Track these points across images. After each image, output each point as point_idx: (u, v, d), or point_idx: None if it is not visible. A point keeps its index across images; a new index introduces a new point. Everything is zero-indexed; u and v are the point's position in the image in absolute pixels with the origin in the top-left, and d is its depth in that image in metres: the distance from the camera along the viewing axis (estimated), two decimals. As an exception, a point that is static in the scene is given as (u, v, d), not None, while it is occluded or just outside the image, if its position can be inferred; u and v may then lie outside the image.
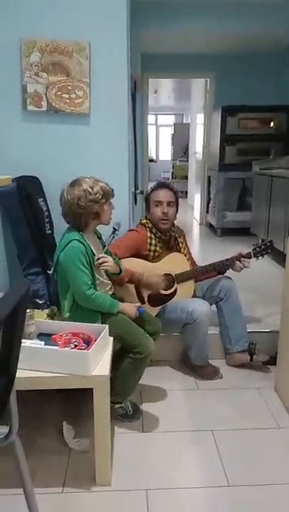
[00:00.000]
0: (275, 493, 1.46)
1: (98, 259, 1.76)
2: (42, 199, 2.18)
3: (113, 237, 1.77)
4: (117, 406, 1.80)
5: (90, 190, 1.69)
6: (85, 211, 1.70)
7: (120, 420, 1.82)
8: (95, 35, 2.17)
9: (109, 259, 1.79)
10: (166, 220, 2.18)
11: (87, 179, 1.73)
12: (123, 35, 2.20)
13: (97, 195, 1.70)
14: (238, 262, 2.19)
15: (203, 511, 1.40)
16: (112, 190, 1.79)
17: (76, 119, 2.24)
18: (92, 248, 1.75)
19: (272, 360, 2.17)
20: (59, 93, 2.21)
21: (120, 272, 1.87)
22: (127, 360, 1.71)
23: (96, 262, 1.75)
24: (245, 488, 1.48)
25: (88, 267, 1.68)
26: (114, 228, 1.84)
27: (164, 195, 2.19)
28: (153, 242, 2.19)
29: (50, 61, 2.18)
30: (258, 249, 2.21)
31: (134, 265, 2.11)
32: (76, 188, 1.70)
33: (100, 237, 1.89)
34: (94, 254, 1.74)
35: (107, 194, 1.75)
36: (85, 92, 2.21)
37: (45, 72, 2.18)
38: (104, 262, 1.77)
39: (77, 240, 1.68)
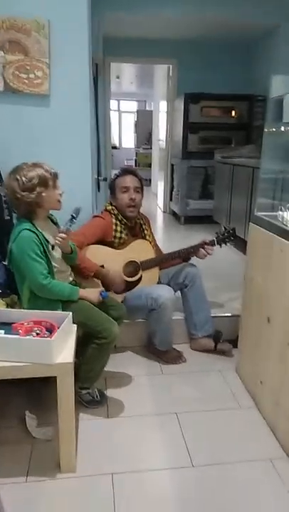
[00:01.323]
0: (237, 470, 1.51)
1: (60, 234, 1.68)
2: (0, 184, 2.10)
3: (70, 225, 1.70)
4: (84, 392, 1.80)
5: (23, 179, 1.59)
6: (23, 201, 1.61)
7: (86, 407, 1.81)
8: (55, 14, 2.09)
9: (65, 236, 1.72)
10: (133, 206, 2.16)
11: (24, 166, 1.63)
12: (84, 15, 2.13)
13: (32, 182, 1.59)
14: (202, 249, 2.22)
15: (169, 492, 1.42)
16: (55, 174, 1.66)
17: (35, 101, 2.16)
18: (46, 236, 1.68)
19: (234, 343, 2.24)
20: (17, 73, 2.11)
21: (72, 252, 1.81)
22: (92, 345, 1.70)
23: (55, 238, 1.67)
24: (209, 467, 1.52)
25: (43, 256, 1.63)
26: (72, 216, 1.75)
27: (130, 181, 2.17)
28: (118, 228, 2.17)
29: (7, 39, 2.07)
30: (221, 236, 2.24)
31: (100, 252, 2.09)
32: (11, 177, 1.62)
33: (55, 223, 1.82)
34: (48, 242, 1.68)
35: (45, 180, 1.61)
36: (44, 73, 2.13)
37: (2, 50, 2.08)
38: (60, 238, 1.67)
39: (27, 229, 1.61)
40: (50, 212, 1.78)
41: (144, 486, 1.44)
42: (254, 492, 1.43)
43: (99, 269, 2.01)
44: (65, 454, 1.48)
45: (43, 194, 1.62)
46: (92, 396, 1.82)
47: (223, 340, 2.29)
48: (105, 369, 1.84)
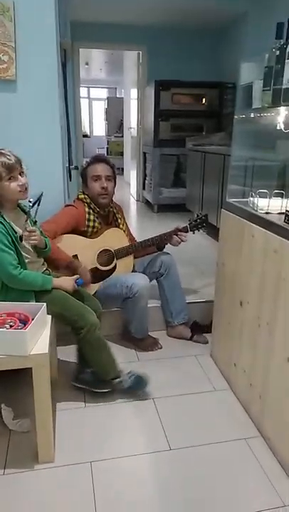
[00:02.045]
0: (213, 451, 1.56)
1: (26, 232, 1.66)
2: None
3: (34, 210, 1.65)
4: (116, 381, 1.78)
5: None
6: None
7: (131, 393, 1.81)
8: (20, -5, 2.01)
9: (36, 231, 1.70)
10: (105, 194, 2.14)
11: None
12: (50, -4, 2.06)
13: None
14: (175, 236, 2.23)
15: (147, 476, 1.45)
16: (11, 165, 1.56)
17: (1, 86, 2.09)
18: (14, 225, 1.64)
19: (208, 328, 2.28)
20: (-19, 57, 2.03)
21: (46, 247, 1.80)
22: (79, 342, 1.71)
23: (24, 235, 1.65)
24: (186, 450, 1.56)
25: (11, 246, 1.59)
26: (29, 201, 1.70)
27: (102, 169, 2.14)
28: (91, 217, 2.15)
29: None
30: (193, 223, 2.26)
31: (73, 241, 2.07)
32: None
33: (26, 212, 1.75)
34: (16, 233, 1.63)
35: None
36: (10, 57, 2.06)
37: None
38: (32, 236, 1.66)
39: None
40: (20, 201, 1.73)
41: (123, 472, 1.46)
42: (230, 471, 1.47)
43: (71, 260, 1.99)
44: (42, 444, 1.47)
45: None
46: (124, 384, 1.79)
47: (200, 331, 2.33)
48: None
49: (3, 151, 1.59)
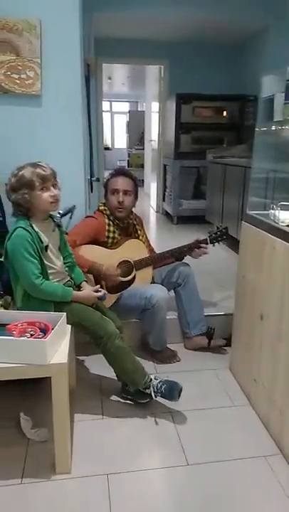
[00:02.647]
0: (232, 468, 1.52)
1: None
2: (-8, 184, 2.09)
3: (66, 223, 1.69)
4: (147, 391, 1.77)
5: (12, 179, 1.61)
6: (13, 201, 1.62)
7: (166, 399, 1.78)
8: (46, 14, 2.09)
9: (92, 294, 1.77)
10: (121, 208, 2.16)
11: (20, 166, 1.63)
12: (75, 15, 2.14)
13: (19, 183, 1.59)
14: (196, 249, 2.23)
15: (164, 491, 1.43)
16: (45, 176, 1.62)
17: (27, 101, 2.16)
18: (41, 235, 1.67)
19: (227, 342, 2.25)
20: (8, 73, 2.11)
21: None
22: (101, 352, 1.71)
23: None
24: (204, 465, 1.53)
25: (36, 256, 1.62)
26: (58, 213, 1.74)
27: (120, 183, 2.16)
28: (111, 228, 2.17)
29: (-2, 39, 2.07)
30: (213, 235, 2.25)
31: (93, 252, 2.09)
32: (11, 173, 1.64)
33: (58, 224, 1.80)
34: (42, 242, 1.66)
35: (29, 182, 1.59)
36: (36, 73, 2.13)
37: (-7, 50, 2.07)
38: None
39: (22, 227, 1.61)
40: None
41: (139, 486, 1.44)
42: (249, 489, 1.43)
43: (92, 264, 2.01)
44: (60, 455, 1.47)
45: (27, 196, 1.60)
46: (157, 391, 1.75)
47: (216, 337, 2.30)
48: (98, 370, 1.83)
49: (39, 163, 1.64)
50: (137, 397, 1.83)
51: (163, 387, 1.76)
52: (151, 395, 1.77)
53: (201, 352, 2.31)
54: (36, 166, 1.62)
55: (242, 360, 2.01)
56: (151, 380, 1.77)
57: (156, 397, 1.76)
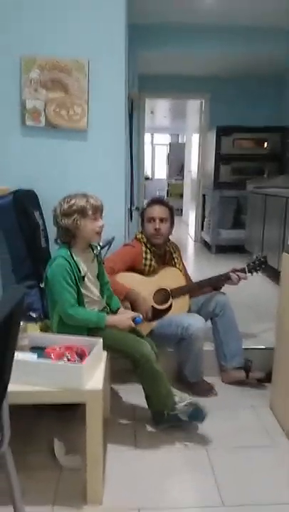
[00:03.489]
0: (270, 513, 1.43)
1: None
2: (38, 212, 2.19)
3: (103, 253, 1.75)
4: (172, 414, 1.76)
5: (65, 204, 1.67)
6: (61, 226, 1.69)
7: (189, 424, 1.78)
8: (94, 54, 2.23)
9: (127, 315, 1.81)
10: (158, 235, 2.19)
11: (73, 194, 1.71)
12: (121, 54, 2.26)
13: (72, 209, 1.66)
14: (233, 274, 2.19)
15: (197, 532, 1.36)
16: (97, 207, 1.70)
17: (74, 135, 2.28)
18: (80, 264, 1.73)
19: (268, 378, 2.15)
20: (57, 109, 2.24)
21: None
22: (137, 375, 1.71)
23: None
24: (240, 508, 1.45)
25: (73, 285, 1.67)
26: (98, 244, 1.80)
27: (157, 211, 2.20)
28: (148, 256, 2.19)
29: (50, 78, 2.22)
30: (252, 264, 2.22)
31: (130, 280, 2.11)
32: (60, 201, 1.71)
33: (96, 254, 1.86)
34: (80, 272, 1.71)
35: (83, 209, 1.66)
36: (83, 109, 2.25)
37: (44, 88, 2.23)
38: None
39: (63, 256, 1.67)
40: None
41: (172, 524, 1.38)
42: (290, 539, 1.34)
43: (129, 291, 2.02)
44: (91, 484, 1.45)
45: (79, 222, 1.68)
46: (183, 415, 1.75)
47: (254, 369, 2.22)
48: (133, 400, 1.81)
49: (89, 194, 1.72)
50: (171, 422, 1.79)
51: (189, 410, 1.75)
52: (170, 418, 1.75)
53: (239, 387, 2.23)
54: (88, 196, 1.71)
55: (284, 398, 1.92)
56: (176, 402, 1.76)
57: (182, 419, 1.74)
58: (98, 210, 1.72)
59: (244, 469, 1.64)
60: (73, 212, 1.67)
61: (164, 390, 1.75)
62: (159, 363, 1.75)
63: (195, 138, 6.40)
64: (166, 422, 1.79)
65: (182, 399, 1.77)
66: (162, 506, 1.45)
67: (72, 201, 1.68)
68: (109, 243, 1.87)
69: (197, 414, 1.75)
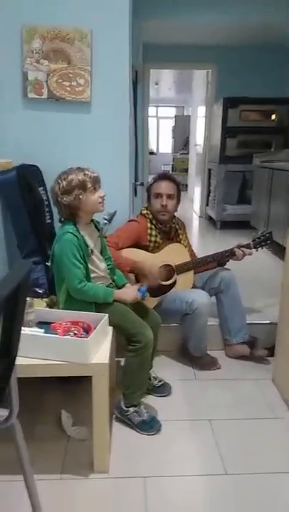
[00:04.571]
0: (271, 481, 1.48)
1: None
2: (42, 188, 2.17)
3: (106, 228, 1.74)
4: (131, 410, 1.72)
5: (63, 182, 1.66)
6: (64, 203, 1.67)
7: (138, 432, 1.70)
8: (97, 23, 2.14)
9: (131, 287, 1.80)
10: (164, 212, 2.17)
11: (67, 170, 1.69)
12: (125, 23, 2.18)
13: (71, 185, 1.64)
14: (238, 249, 2.18)
15: (201, 499, 1.41)
16: (95, 178, 1.70)
17: (77, 107, 2.23)
18: (87, 239, 1.73)
19: (271, 352, 2.18)
20: (60, 81, 2.19)
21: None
22: (128, 354, 1.69)
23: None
24: (242, 476, 1.49)
25: (82, 260, 1.67)
26: (104, 218, 1.80)
27: (164, 187, 2.17)
28: (153, 232, 2.18)
29: (52, 48, 2.15)
30: (257, 240, 2.20)
31: (134, 255, 2.11)
32: (55, 181, 1.70)
33: (98, 228, 1.86)
34: (87, 246, 1.72)
35: (83, 184, 1.65)
36: (86, 80, 2.19)
37: (46, 59, 2.16)
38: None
39: (70, 232, 1.66)
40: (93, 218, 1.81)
41: (176, 492, 1.43)
42: (288, 503, 1.38)
43: (135, 262, 2.02)
44: (98, 454, 1.50)
45: (81, 197, 1.66)
46: (140, 415, 1.72)
47: (258, 346, 2.24)
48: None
49: (84, 167, 1.70)
50: (124, 417, 1.75)
51: (146, 414, 1.73)
52: (126, 413, 1.72)
53: (243, 361, 2.26)
54: (84, 169, 1.69)
55: (286, 372, 1.95)
56: (140, 404, 1.75)
57: (138, 419, 1.71)
58: (97, 181, 1.71)
59: (246, 440, 1.69)
60: (73, 188, 1.65)
61: (142, 380, 1.75)
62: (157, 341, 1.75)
63: (201, 110, 6.24)
64: (123, 414, 1.75)
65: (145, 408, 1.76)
66: (166, 475, 1.50)
67: (70, 177, 1.66)
68: (111, 216, 1.86)
69: (153, 424, 1.72)
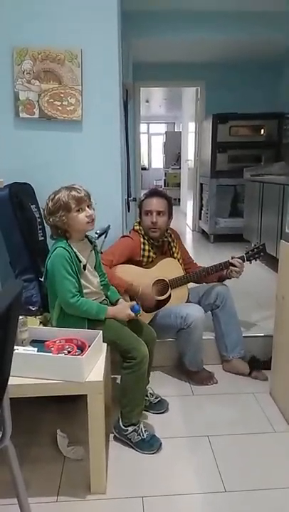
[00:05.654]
0: (271, 497, 1.45)
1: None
2: (34, 205, 2.18)
3: (102, 242, 1.76)
4: (130, 430, 1.68)
5: (49, 203, 1.67)
6: (51, 224, 1.68)
7: (139, 451, 1.66)
8: (87, 43, 2.19)
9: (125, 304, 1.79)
10: (154, 229, 2.17)
11: (58, 189, 1.70)
12: (114, 42, 2.23)
13: (55, 206, 1.65)
14: (232, 266, 2.19)
15: (200, 518, 1.38)
16: (80, 198, 1.66)
17: (68, 126, 2.26)
18: (79, 255, 1.72)
19: (267, 365, 2.17)
20: (51, 100, 2.22)
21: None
22: (123, 371, 1.67)
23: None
24: (243, 493, 1.47)
25: (74, 274, 1.66)
26: (96, 233, 1.81)
27: (154, 204, 2.17)
28: (146, 247, 2.19)
29: (42, 69, 2.19)
30: (250, 252, 2.21)
31: (128, 272, 2.11)
32: (46, 199, 1.70)
33: (93, 244, 1.85)
34: (80, 261, 1.71)
35: (66, 205, 1.64)
36: (77, 100, 2.23)
37: (38, 79, 2.20)
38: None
39: (62, 247, 1.66)
40: (88, 233, 1.81)
41: (175, 511, 1.40)
42: (291, 522, 1.36)
43: (129, 286, 2.03)
44: (95, 474, 1.47)
45: (64, 218, 1.66)
46: (139, 435, 1.68)
47: (259, 367, 2.23)
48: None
49: (74, 186, 1.71)
50: (123, 436, 1.71)
51: (146, 433, 1.70)
52: (125, 432, 1.69)
53: (239, 375, 2.24)
54: (71, 189, 1.68)
55: (283, 385, 1.94)
56: (139, 422, 1.71)
57: (137, 439, 1.68)
58: (82, 201, 1.68)
59: (245, 455, 1.66)
60: (57, 210, 1.65)
61: (139, 398, 1.71)
62: (153, 355, 1.74)
63: (191, 126, 6.35)
64: (122, 433, 1.72)
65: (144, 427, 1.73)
66: (165, 494, 1.47)
67: (56, 197, 1.66)
68: (105, 232, 1.87)
69: (153, 443, 1.69)
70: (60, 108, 2.23)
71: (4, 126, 2.23)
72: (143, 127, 11.70)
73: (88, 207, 1.71)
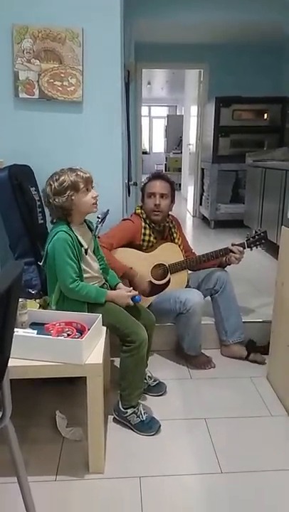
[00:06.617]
0: (267, 479, 1.48)
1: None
2: (34, 188, 2.16)
3: (99, 227, 1.75)
4: (129, 412, 1.70)
5: (55, 183, 1.65)
6: (56, 205, 1.66)
7: (138, 433, 1.69)
8: (88, 22, 2.14)
9: (125, 293, 1.77)
10: (157, 211, 2.16)
11: (58, 171, 1.68)
12: (116, 22, 2.17)
13: (63, 186, 1.63)
14: (232, 253, 2.18)
15: (196, 498, 1.41)
16: (87, 178, 1.69)
17: (69, 107, 2.22)
18: (80, 239, 1.72)
19: (265, 349, 2.19)
20: (51, 80, 2.17)
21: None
22: (122, 355, 1.68)
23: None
24: (238, 474, 1.50)
25: (75, 259, 1.66)
26: (98, 217, 1.80)
27: (158, 186, 2.17)
28: (147, 232, 2.18)
29: (43, 48, 2.14)
30: (251, 239, 2.20)
31: (128, 255, 2.11)
32: (46, 182, 1.69)
33: (91, 228, 1.85)
34: (81, 246, 1.71)
35: (75, 185, 1.64)
36: (77, 80, 2.18)
37: (38, 59, 2.15)
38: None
39: (64, 231, 1.65)
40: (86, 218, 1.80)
41: (172, 491, 1.43)
42: (284, 501, 1.39)
43: (127, 270, 2.03)
44: (93, 454, 1.49)
45: (73, 198, 1.66)
46: (138, 417, 1.70)
47: (256, 350, 2.25)
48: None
49: (76, 168, 1.69)
50: (123, 418, 1.73)
51: (145, 415, 1.72)
52: (124, 415, 1.71)
53: (237, 360, 2.26)
54: (76, 170, 1.68)
55: (281, 369, 1.95)
56: (138, 405, 1.73)
57: (136, 420, 1.70)
58: (89, 182, 1.70)
59: (242, 439, 1.69)
60: (65, 190, 1.64)
61: (139, 380, 1.73)
62: (151, 339, 1.75)
63: (193, 110, 6.25)
64: (121, 415, 1.73)
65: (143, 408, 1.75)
66: (162, 474, 1.50)
67: (62, 178, 1.65)
68: (104, 216, 1.86)
69: (152, 425, 1.71)
70: (60, 88, 2.18)
71: (3, 106, 2.19)
72: (144, 110, 11.54)
73: (92, 188, 1.72)
